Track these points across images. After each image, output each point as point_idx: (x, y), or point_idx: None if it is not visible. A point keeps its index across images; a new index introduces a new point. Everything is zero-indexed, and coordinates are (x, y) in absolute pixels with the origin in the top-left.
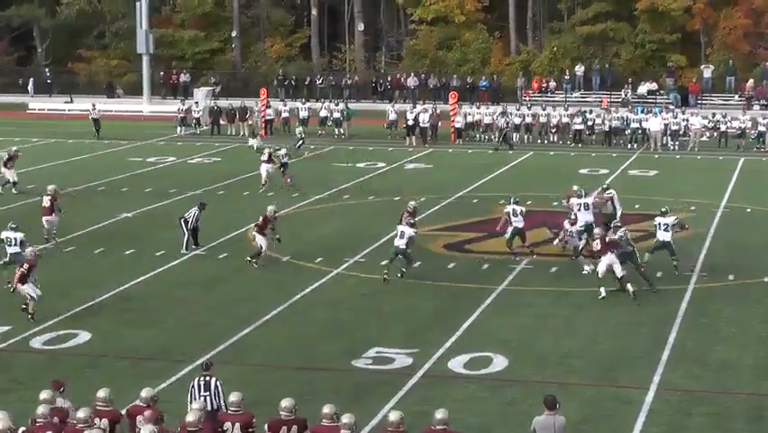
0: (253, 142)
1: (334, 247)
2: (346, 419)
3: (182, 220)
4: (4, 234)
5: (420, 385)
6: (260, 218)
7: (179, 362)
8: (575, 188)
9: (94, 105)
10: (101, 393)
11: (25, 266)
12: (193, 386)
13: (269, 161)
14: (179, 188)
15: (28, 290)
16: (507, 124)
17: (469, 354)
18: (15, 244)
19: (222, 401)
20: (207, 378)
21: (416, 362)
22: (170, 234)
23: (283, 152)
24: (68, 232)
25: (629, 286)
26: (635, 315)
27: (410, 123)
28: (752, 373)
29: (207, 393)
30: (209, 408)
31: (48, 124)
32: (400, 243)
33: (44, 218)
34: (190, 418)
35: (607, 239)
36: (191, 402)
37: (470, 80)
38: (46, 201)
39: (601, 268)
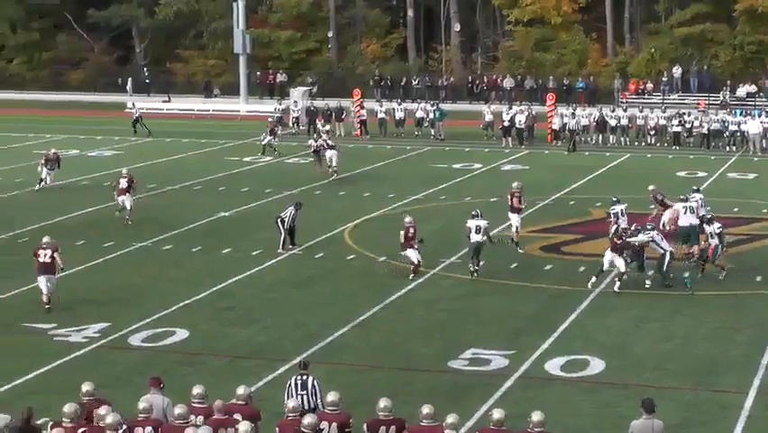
0: (268, 138)
1: (431, 248)
2: (451, 419)
3: (279, 220)
4: None
5: (516, 387)
6: (403, 235)
7: (276, 361)
8: (651, 187)
9: (133, 104)
10: (196, 390)
11: None
12: (290, 385)
13: (330, 147)
14: (276, 187)
15: None
16: (575, 125)
17: (565, 357)
18: None
19: (319, 400)
20: (304, 377)
21: (513, 363)
22: (267, 234)
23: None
24: (166, 230)
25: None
26: (733, 319)
27: (506, 124)
28: None
29: (304, 392)
30: (305, 406)
31: (146, 123)
32: (478, 237)
33: (120, 198)
34: (291, 403)
35: (621, 239)
36: (287, 400)
37: (566, 82)
38: (123, 183)
39: (606, 260)
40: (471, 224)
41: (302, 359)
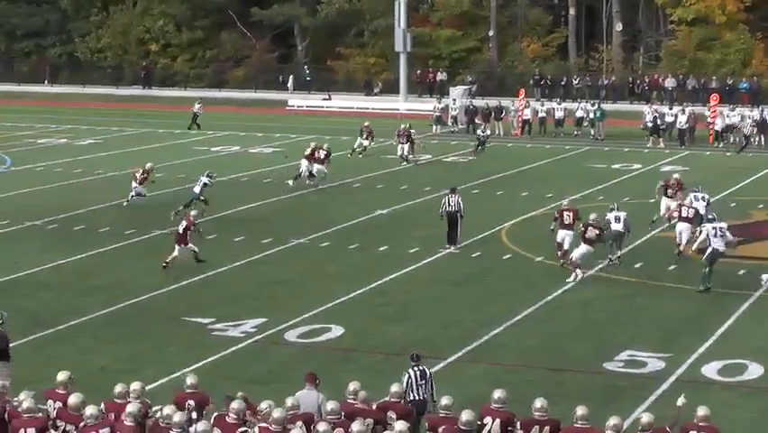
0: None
1: None
2: (614, 420)
3: (458, 214)
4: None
5: (672, 390)
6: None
7: (430, 358)
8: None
9: (200, 101)
10: (352, 386)
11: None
12: (410, 376)
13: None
14: (434, 185)
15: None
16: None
17: (723, 361)
18: (198, 184)
19: (434, 391)
20: (422, 368)
21: (669, 366)
22: (424, 232)
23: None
24: (325, 227)
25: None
26: None
27: (649, 123)
28: None
29: (423, 382)
30: (422, 397)
31: (306, 120)
32: (618, 227)
33: (316, 166)
34: (445, 401)
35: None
36: (410, 392)
37: (729, 82)
38: (321, 153)
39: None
40: (611, 215)
41: (414, 352)
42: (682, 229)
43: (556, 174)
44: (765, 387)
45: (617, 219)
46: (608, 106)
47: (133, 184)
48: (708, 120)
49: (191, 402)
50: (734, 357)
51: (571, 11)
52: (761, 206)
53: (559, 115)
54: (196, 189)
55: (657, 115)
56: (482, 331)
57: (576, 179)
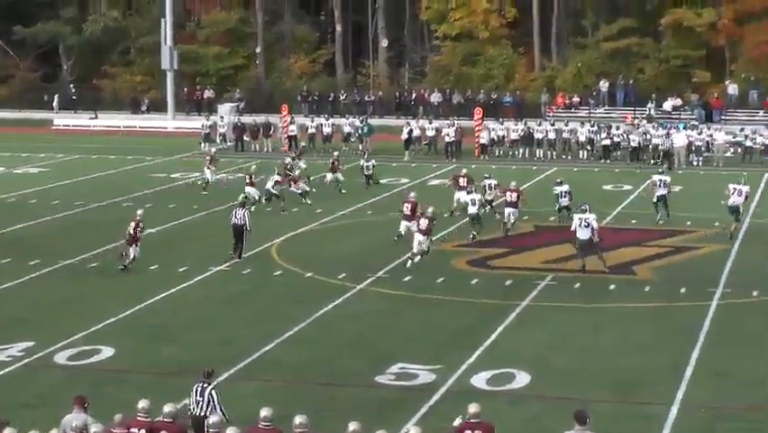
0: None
1: (357, 263)
2: None
3: (245, 229)
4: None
5: (443, 401)
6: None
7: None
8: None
9: None
10: (141, 404)
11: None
12: (192, 390)
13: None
14: (201, 203)
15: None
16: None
17: (492, 371)
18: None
19: (209, 410)
20: (205, 385)
21: (439, 378)
22: (193, 250)
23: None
24: (93, 247)
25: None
26: (658, 331)
27: (404, 137)
28: None
29: (201, 399)
30: (199, 413)
31: (72, 139)
32: (474, 209)
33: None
34: (212, 419)
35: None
36: (191, 407)
37: (494, 96)
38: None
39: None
40: (467, 198)
41: (207, 369)
42: (510, 212)
43: (326, 190)
44: (531, 395)
45: (474, 202)
46: (375, 122)
47: (247, 189)
48: (475, 134)
49: None
50: (502, 367)
51: (338, 27)
52: (526, 218)
53: (327, 130)
54: (269, 185)
55: (412, 128)
56: (254, 348)
57: (345, 194)
